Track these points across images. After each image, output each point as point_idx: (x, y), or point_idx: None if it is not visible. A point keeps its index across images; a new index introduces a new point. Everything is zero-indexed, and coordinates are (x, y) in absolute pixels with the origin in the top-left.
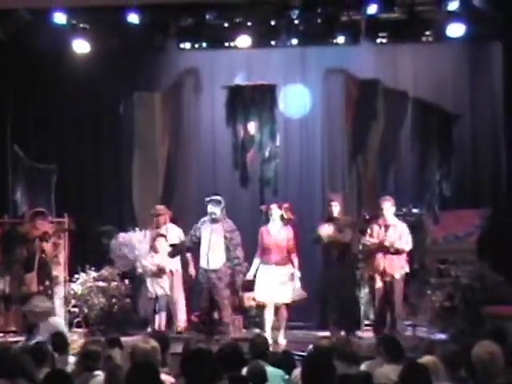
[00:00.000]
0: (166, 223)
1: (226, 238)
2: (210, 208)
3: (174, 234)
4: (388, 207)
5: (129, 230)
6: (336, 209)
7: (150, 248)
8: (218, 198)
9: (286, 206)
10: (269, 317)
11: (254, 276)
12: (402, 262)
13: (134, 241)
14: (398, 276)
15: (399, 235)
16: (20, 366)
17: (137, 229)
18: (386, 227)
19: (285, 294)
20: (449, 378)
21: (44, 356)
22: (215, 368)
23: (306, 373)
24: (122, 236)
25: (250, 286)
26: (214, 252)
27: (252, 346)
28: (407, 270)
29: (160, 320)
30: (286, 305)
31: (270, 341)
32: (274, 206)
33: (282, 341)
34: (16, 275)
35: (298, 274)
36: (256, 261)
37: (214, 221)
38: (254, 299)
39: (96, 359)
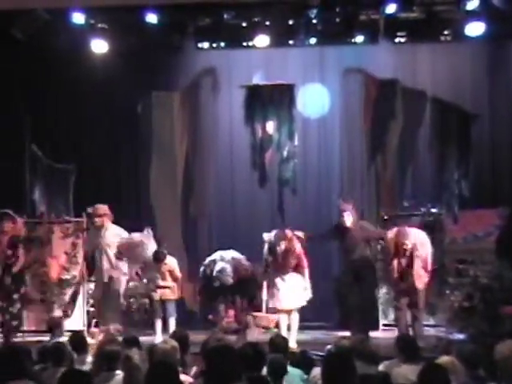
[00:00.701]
0: (103, 225)
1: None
2: None
3: (114, 233)
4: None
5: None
6: (348, 218)
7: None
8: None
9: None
10: (283, 319)
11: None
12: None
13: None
14: (421, 287)
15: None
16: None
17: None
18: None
19: (297, 299)
20: (467, 378)
21: (62, 356)
22: (235, 367)
23: (327, 373)
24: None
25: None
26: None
27: (271, 346)
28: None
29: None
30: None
31: None
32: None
33: (294, 345)
34: (35, 275)
35: (307, 283)
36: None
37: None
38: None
39: (115, 359)
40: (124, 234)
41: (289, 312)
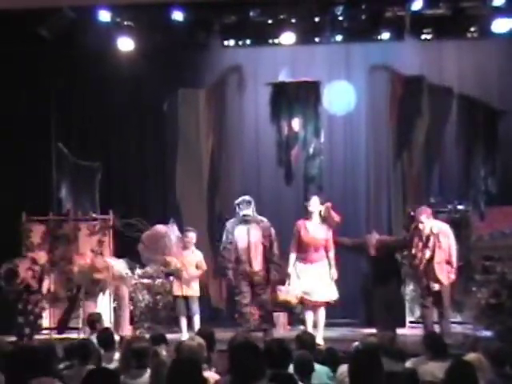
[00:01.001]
0: None
1: (264, 236)
2: (242, 210)
3: None
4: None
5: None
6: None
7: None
8: (247, 198)
9: (328, 204)
10: (309, 316)
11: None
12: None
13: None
14: (446, 282)
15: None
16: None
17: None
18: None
19: (324, 293)
20: (494, 376)
21: (89, 353)
22: (261, 364)
23: (354, 370)
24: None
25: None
26: (255, 252)
27: (298, 343)
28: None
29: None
30: (326, 303)
31: None
32: (314, 198)
33: (321, 341)
34: (62, 273)
35: (335, 275)
36: (292, 256)
37: (247, 222)
38: (297, 298)
39: (144, 356)
40: None
41: (314, 308)
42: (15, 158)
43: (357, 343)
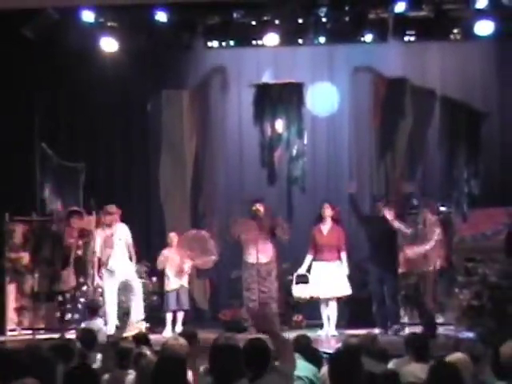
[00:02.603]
0: (117, 221)
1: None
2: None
3: (123, 233)
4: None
5: None
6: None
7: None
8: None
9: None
10: (324, 311)
11: (308, 272)
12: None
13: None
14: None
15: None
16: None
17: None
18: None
19: (336, 288)
20: (474, 377)
21: (71, 353)
22: (241, 365)
23: (334, 371)
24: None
25: (300, 279)
26: (263, 246)
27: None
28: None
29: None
30: (338, 298)
31: (324, 334)
32: (326, 205)
33: (334, 332)
34: (44, 273)
35: (346, 271)
36: (308, 257)
37: (255, 216)
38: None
39: (128, 357)
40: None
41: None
42: None
43: (339, 344)
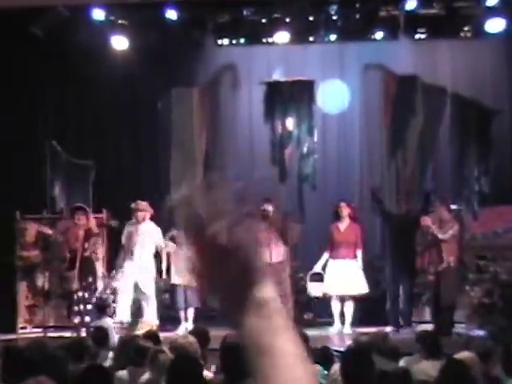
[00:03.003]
0: (144, 220)
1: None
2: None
3: (152, 231)
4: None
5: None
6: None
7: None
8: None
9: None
10: (336, 307)
11: (323, 270)
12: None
13: None
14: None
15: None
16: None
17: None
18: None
19: (353, 287)
20: (484, 375)
21: (83, 351)
22: (241, 364)
23: (345, 369)
24: None
25: (316, 278)
26: (275, 245)
27: None
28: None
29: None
30: (353, 297)
31: (338, 331)
32: (343, 204)
33: (349, 331)
34: (55, 271)
35: (360, 269)
36: (325, 255)
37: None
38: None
39: (145, 354)
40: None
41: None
42: (9, 156)
43: (350, 342)
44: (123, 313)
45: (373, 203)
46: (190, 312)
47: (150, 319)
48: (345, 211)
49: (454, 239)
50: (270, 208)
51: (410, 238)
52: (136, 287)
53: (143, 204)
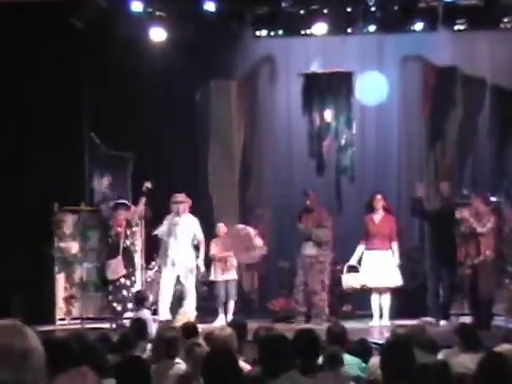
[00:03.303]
0: (185, 211)
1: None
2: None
3: (190, 223)
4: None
5: None
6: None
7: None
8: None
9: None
10: (375, 301)
11: (359, 262)
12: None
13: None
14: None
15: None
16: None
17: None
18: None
19: (389, 278)
20: None
21: (125, 343)
22: (290, 355)
23: (386, 362)
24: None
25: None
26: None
27: (329, 335)
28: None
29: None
30: (391, 289)
31: (377, 324)
32: (379, 197)
33: (387, 322)
34: (93, 262)
35: (397, 261)
36: (360, 247)
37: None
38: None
39: (176, 346)
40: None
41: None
42: (48, 148)
43: (388, 335)
44: (165, 311)
45: (414, 213)
46: (231, 305)
47: (189, 311)
48: (379, 203)
49: (491, 232)
50: (307, 201)
51: (449, 230)
52: (177, 280)
53: (181, 196)
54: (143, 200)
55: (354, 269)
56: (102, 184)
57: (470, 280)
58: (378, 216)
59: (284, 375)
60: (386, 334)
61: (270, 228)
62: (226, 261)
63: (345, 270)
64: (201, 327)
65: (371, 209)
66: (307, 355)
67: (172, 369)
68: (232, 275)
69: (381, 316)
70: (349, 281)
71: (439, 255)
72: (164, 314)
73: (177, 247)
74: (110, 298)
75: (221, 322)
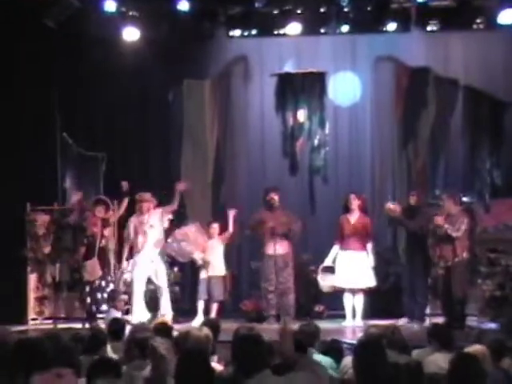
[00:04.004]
0: (149, 211)
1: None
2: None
3: (156, 219)
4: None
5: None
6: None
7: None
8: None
9: (363, 196)
10: (348, 301)
11: (333, 262)
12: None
13: (190, 234)
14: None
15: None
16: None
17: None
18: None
19: (363, 280)
20: (494, 368)
21: (98, 344)
22: (265, 356)
23: (359, 362)
24: (178, 232)
25: (326, 270)
26: (280, 237)
27: (301, 334)
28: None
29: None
30: (363, 290)
31: (350, 324)
32: (352, 196)
33: (360, 323)
34: (66, 262)
35: (372, 262)
36: (335, 247)
37: (273, 208)
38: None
39: (146, 347)
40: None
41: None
42: (20, 148)
43: (361, 335)
44: (139, 312)
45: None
46: (214, 305)
47: (165, 312)
48: (354, 203)
49: (465, 233)
50: (276, 198)
51: (422, 231)
52: (149, 280)
53: (146, 195)
54: (126, 201)
55: (329, 269)
56: (72, 184)
57: (444, 281)
58: (354, 216)
59: (257, 375)
60: (359, 334)
61: (243, 227)
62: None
63: (320, 270)
64: (176, 327)
65: (347, 209)
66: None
67: (144, 369)
68: (213, 271)
69: (354, 316)
70: (323, 282)
71: (413, 255)
72: (138, 315)
73: (146, 246)
74: (86, 298)
75: (198, 322)
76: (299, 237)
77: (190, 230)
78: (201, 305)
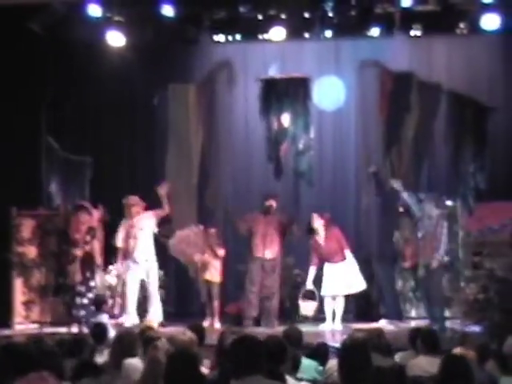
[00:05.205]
0: (138, 214)
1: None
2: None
3: (145, 222)
4: None
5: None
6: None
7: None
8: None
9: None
10: (328, 305)
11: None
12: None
13: (191, 236)
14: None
15: None
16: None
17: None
18: None
19: (352, 286)
20: (478, 370)
21: (81, 348)
22: (251, 360)
23: (344, 365)
24: (180, 233)
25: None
26: (270, 241)
27: (285, 338)
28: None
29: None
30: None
31: (329, 327)
32: (315, 216)
33: (339, 326)
34: (52, 267)
35: (356, 266)
36: (312, 268)
37: (268, 212)
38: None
39: (135, 350)
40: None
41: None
42: (5, 152)
43: (345, 338)
44: (132, 315)
45: (373, 187)
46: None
47: (155, 316)
48: (317, 222)
49: (444, 235)
50: (274, 205)
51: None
52: (141, 284)
53: (134, 198)
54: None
55: (310, 294)
56: (57, 188)
57: (424, 283)
58: (321, 236)
59: (247, 378)
60: (339, 337)
61: (228, 231)
62: (208, 263)
63: (301, 295)
64: (161, 331)
65: (312, 231)
66: (274, 360)
67: (133, 373)
68: (209, 275)
69: (333, 320)
70: (304, 309)
71: (386, 256)
72: (131, 318)
73: (137, 250)
74: (69, 303)
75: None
76: (298, 237)
77: (192, 231)
78: (209, 307)
